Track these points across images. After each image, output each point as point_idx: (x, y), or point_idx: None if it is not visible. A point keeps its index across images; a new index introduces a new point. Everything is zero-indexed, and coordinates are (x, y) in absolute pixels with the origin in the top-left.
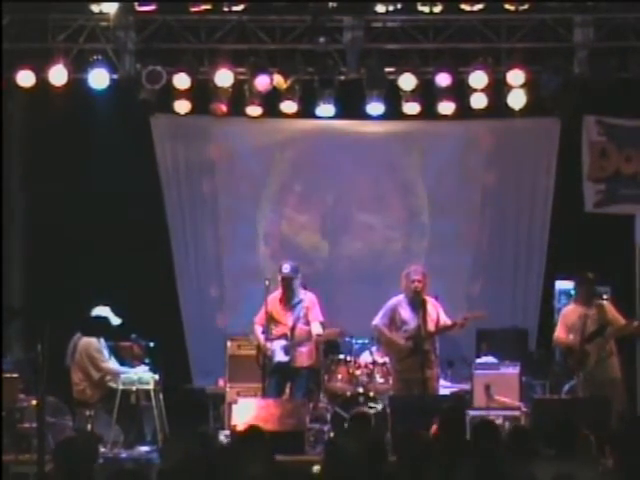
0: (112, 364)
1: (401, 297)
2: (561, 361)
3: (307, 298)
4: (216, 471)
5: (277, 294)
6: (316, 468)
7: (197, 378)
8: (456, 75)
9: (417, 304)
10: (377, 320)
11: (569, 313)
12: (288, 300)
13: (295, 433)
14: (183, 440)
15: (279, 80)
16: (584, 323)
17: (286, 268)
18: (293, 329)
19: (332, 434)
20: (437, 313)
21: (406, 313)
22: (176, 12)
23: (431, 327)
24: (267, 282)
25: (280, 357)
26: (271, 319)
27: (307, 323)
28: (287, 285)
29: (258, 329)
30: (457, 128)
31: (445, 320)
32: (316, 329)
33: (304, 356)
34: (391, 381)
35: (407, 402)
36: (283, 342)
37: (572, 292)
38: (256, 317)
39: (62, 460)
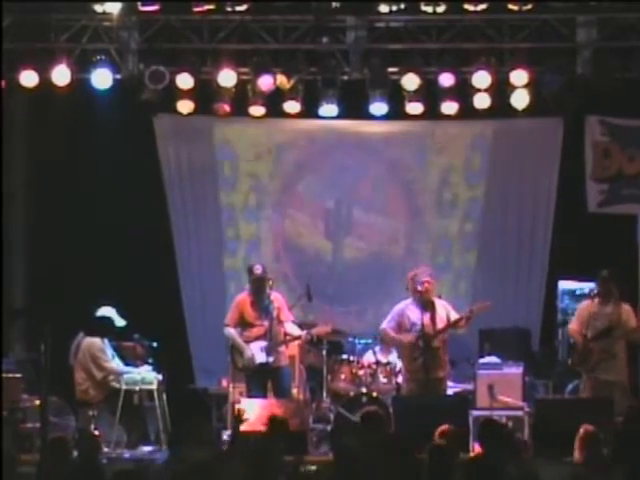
0: (115, 364)
1: (408, 301)
2: (564, 359)
3: (276, 298)
4: None
5: (245, 296)
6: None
7: (200, 378)
8: (459, 75)
9: (426, 305)
10: (384, 324)
11: (583, 308)
12: (260, 301)
13: (298, 433)
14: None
15: (282, 80)
16: (594, 321)
17: (258, 269)
18: (271, 330)
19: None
20: (447, 312)
21: (415, 315)
22: (179, 12)
23: (440, 325)
24: (270, 282)
25: (261, 358)
26: (242, 321)
27: (279, 323)
28: (261, 286)
29: (232, 331)
30: (460, 128)
31: (455, 316)
32: (294, 330)
33: (282, 355)
34: (394, 381)
35: (410, 402)
36: (262, 343)
37: (576, 291)
38: (227, 319)
39: (51, 459)
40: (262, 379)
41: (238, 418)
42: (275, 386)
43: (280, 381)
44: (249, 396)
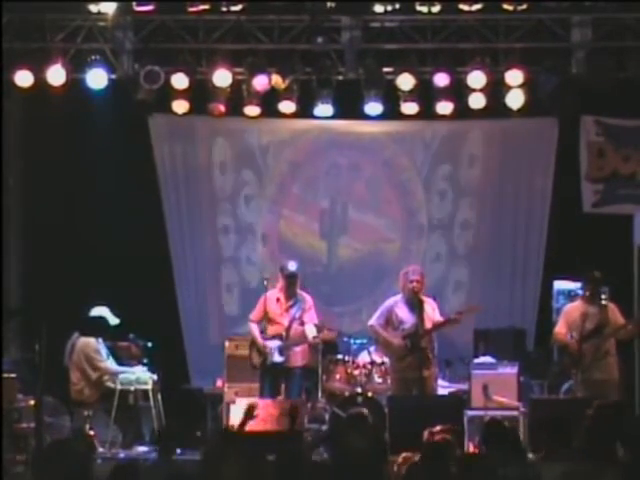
0: (110, 364)
1: (398, 297)
2: (559, 360)
3: (305, 299)
4: None
5: (274, 293)
6: None
7: (195, 378)
8: (454, 75)
9: (414, 303)
10: (373, 320)
11: (572, 310)
12: (287, 299)
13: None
14: None
15: (277, 80)
16: (583, 322)
17: (292, 266)
18: (288, 329)
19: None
20: (433, 312)
21: (403, 313)
22: (174, 12)
23: (428, 325)
24: (265, 282)
25: (275, 357)
26: (266, 318)
27: (302, 324)
28: (292, 283)
29: (254, 327)
30: (455, 128)
31: (439, 318)
32: (311, 332)
33: (298, 356)
34: (389, 381)
35: (405, 402)
36: (278, 342)
37: (572, 292)
38: (252, 314)
39: (54, 462)
40: (275, 379)
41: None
42: (286, 387)
43: (291, 383)
44: (261, 395)
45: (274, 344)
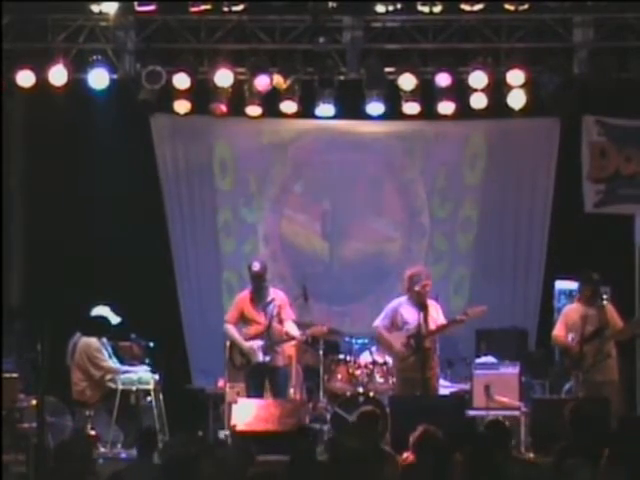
0: (112, 363)
1: (403, 299)
2: (560, 361)
3: (278, 297)
4: None
5: (246, 293)
6: None
7: (197, 378)
8: (456, 75)
9: (421, 306)
10: (378, 322)
11: (571, 312)
12: (260, 298)
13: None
14: None
15: (279, 80)
16: (584, 323)
17: (256, 266)
18: (268, 328)
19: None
20: (437, 314)
21: (408, 314)
22: (176, 12)
23: (432, 326)
24: (267, 282)
25: (260, 357)
26: (243, 318)
27: (280, 321)
28: (258, 283)
29: (232, 329)
30: (457, 128)
31: (442, 319)
32: (292, 330)
33: (280, 355)
34: (391, 381)
35: (407, 402)
36: (260, 342)
37: (573, 292)
38: (227, 316)
39: (62, 462)
40: (259, 378)
41: None
42: (272, 386)
43: (277, 381)
44: (248, 395)
45: (257, 344)
